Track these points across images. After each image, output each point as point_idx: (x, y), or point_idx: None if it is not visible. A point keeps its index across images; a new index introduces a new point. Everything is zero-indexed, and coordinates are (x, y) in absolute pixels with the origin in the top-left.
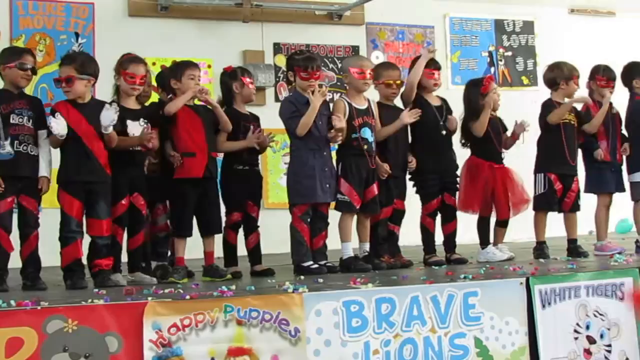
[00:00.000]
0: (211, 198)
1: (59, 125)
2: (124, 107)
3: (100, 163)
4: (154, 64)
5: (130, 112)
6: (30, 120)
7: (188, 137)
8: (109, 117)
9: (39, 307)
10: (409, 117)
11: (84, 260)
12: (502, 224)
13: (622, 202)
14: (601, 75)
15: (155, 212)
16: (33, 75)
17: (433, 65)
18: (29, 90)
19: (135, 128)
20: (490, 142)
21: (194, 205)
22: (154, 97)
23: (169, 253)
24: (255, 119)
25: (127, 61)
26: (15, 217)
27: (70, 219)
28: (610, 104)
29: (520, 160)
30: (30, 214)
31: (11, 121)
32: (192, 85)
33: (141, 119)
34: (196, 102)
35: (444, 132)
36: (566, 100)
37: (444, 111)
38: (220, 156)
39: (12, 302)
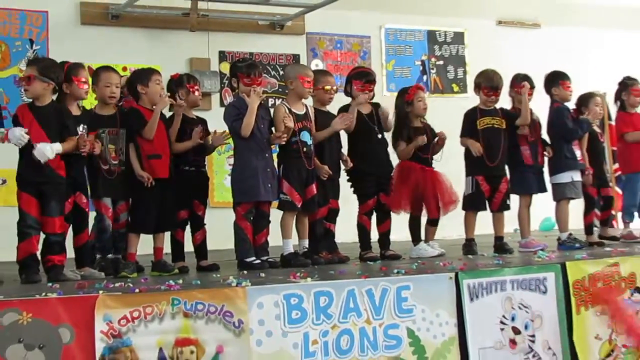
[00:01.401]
0: (169, 197)
1: (14, 134)
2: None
3: (50, 166)
4: None
5: (72, 118)
6: None
7: (155, 140)
8: (42, 155)
9: None
10: (340, 124)
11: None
12: (433, 222)
13: (546, 202)
14: (519, 84)
15: (118, 209)
16: None
17: (365, 79)
18: None
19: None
20: (419, 149)
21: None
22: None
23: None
24: (201, 122)
25: (75, 67)
26: None
27: (27, 215)
28: (531, 110)
29: (452, 162)
30: None
31: None
32: (159, 89)
33: (81, 125)
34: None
35: (379, 136)
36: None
37: (374, 117)
38: None
39: None
